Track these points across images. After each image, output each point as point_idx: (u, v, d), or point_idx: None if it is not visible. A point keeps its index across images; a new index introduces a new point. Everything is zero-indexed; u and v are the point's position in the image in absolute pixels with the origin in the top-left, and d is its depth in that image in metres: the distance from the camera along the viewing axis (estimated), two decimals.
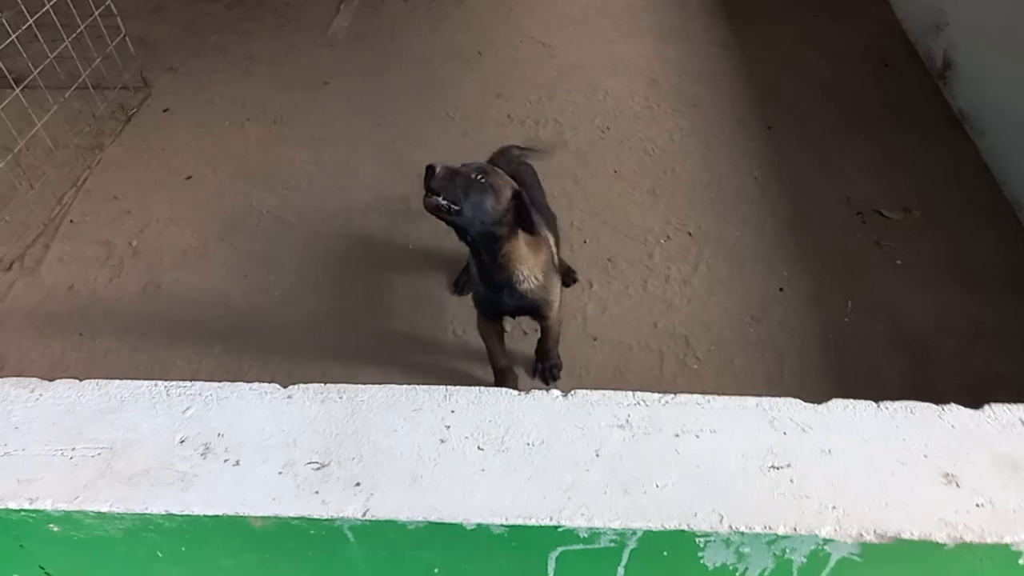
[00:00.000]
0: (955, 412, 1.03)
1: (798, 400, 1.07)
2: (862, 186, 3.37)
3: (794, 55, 4.22)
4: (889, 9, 4.53)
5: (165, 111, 4.01)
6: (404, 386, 1.10)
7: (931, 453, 0.99)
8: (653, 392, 1.10)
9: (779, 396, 1.08)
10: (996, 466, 0.97)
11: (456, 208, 2.21)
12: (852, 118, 3.74)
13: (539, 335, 2.65)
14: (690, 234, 3.22)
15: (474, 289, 2.46)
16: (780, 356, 2.74)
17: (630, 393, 1.10)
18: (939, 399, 1.07)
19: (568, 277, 3.07)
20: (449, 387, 1.10)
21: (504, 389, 1.10)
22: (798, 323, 2.85)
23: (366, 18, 4.79)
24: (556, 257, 2.50)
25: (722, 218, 3.28)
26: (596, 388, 2.62)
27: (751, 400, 1.07)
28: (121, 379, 1.07)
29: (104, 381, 1.06)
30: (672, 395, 1.09)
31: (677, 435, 1.03)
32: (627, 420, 1.06)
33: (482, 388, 1.10)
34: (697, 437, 1.02)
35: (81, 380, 1.06)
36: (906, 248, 3.08)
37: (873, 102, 3.84)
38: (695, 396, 1.08)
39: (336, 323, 2.90)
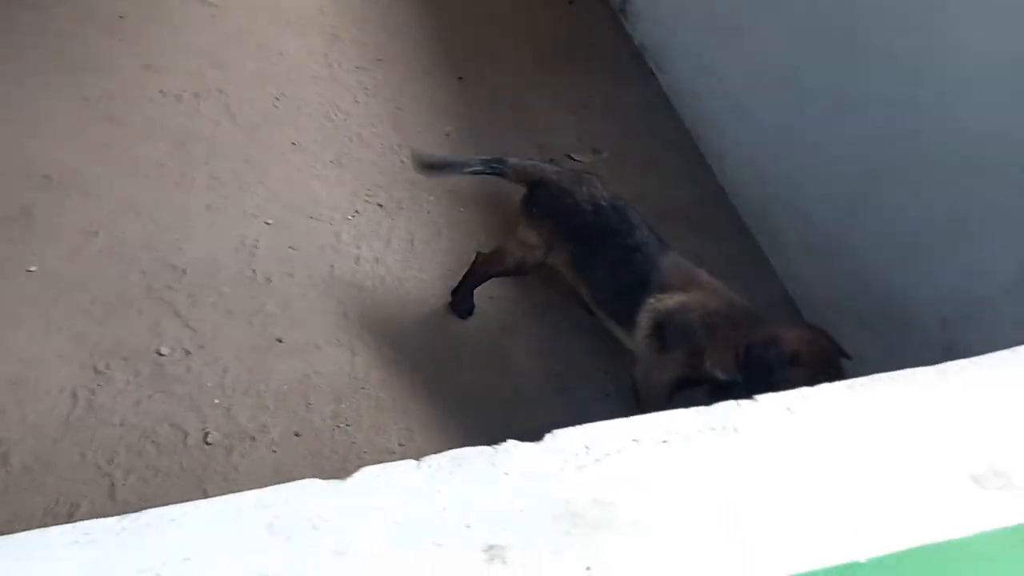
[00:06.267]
0: (511, 452, 0.79)
1: (316, 481, 0.77)
2: (553, 131, 3.25)
3: None
4: None
5: None
6: None
7: (476, 521, 0.74)
8: (106, 518, 0.74)
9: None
10: (554, 519, 0.74)
11: None
12: (540, 61, 3.62)
13: None
14: (381, 206, 2.90)
15: None
16: (482, 327, 2.54)
17: (69, 527, 0.72)
18: None
19: None
20: None
21: None
22: (498, 289, 2.66)
23: None
24: None
25: (414, 183, 2.99)
26: (278, 402, 2.26)
27: (248, 497, 0.75)
28: None
29: None
30: (134, 515, 0.74)
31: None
32: None
33: None
34: None
35: None
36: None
37: (560, 43, 3.74)
38: (169, 510, 0.74)
39: None
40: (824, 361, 1.73)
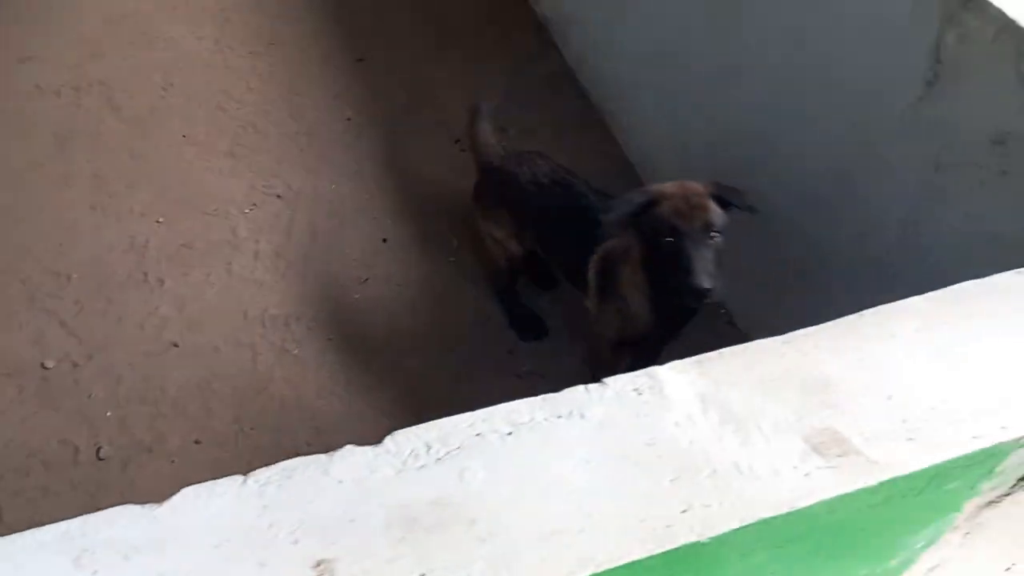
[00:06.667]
0: (347, 459, 0.75)
1: (129, 507, 0.72)
2: (458, 111, 3.16)
3: None
4: None
5: None
6: None
7: (305, 535, 0.69)
8: None
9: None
10: (388, 526, 0.70)
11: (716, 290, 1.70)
12: (443, 39, 3.53)
13: None
14: (279, 196, 2.80)
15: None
16: (390, 316, 2.49)
17: None
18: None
19: None
20: None
21: None
22: (405, 274, 2.61)
23: None
24: None
25: (315, 171, 2.90)
26: (176, 410, 2.16)
27: (53, 530, 0.69)
28: None
29: None
30: None
31: None
32: None
33: None
34: None
35: None
36: None
37: (463, 19, 3.65)
38: None
39: None
40: (684, 198, 1.73)
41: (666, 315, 1.90)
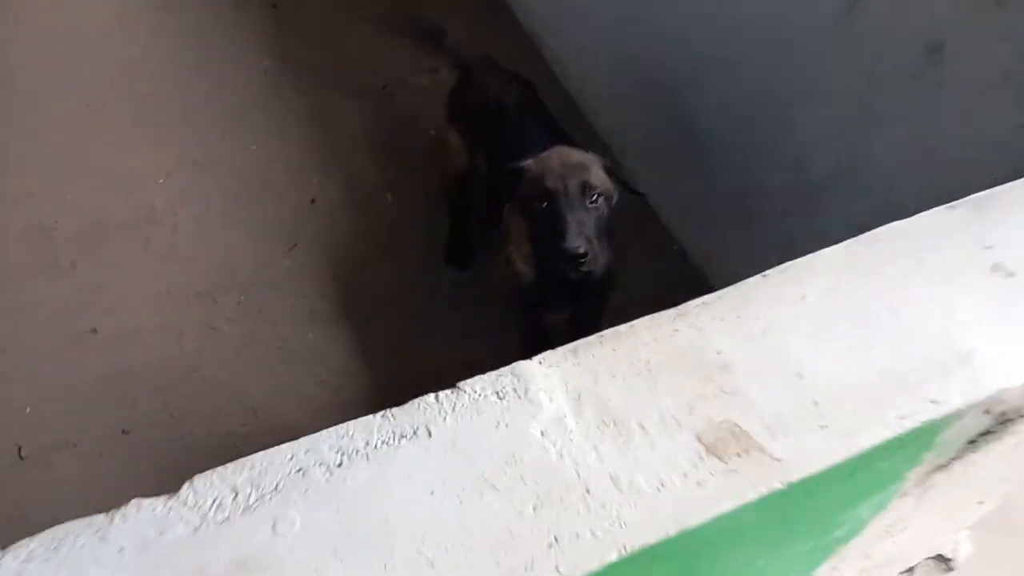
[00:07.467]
0: (132, 518, 0.61)
1: None
2: (383, 55, 2.94)
3: None
4: None
5: None
6: None
7: None
8: None
9: None
10: None
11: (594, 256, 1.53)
12: None
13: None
14: (196, 163, 2.59)
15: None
16: (323, 283, 2.33)
17: None
18: None
19: None
20: None
21: None
22: (338, 236, 2.44)
23: None
24: None
25: (232, 133, 2.68)
26: (98, 400, 2.01)
27: None
28: None
29: None
30: None
31: None
32: None
33: None
34: None
35: None
36: (436, 113, 2.77)
37: None
38: None
39: None
40: (560, 160, 1.60)
41: (551, 281, 1.73)
